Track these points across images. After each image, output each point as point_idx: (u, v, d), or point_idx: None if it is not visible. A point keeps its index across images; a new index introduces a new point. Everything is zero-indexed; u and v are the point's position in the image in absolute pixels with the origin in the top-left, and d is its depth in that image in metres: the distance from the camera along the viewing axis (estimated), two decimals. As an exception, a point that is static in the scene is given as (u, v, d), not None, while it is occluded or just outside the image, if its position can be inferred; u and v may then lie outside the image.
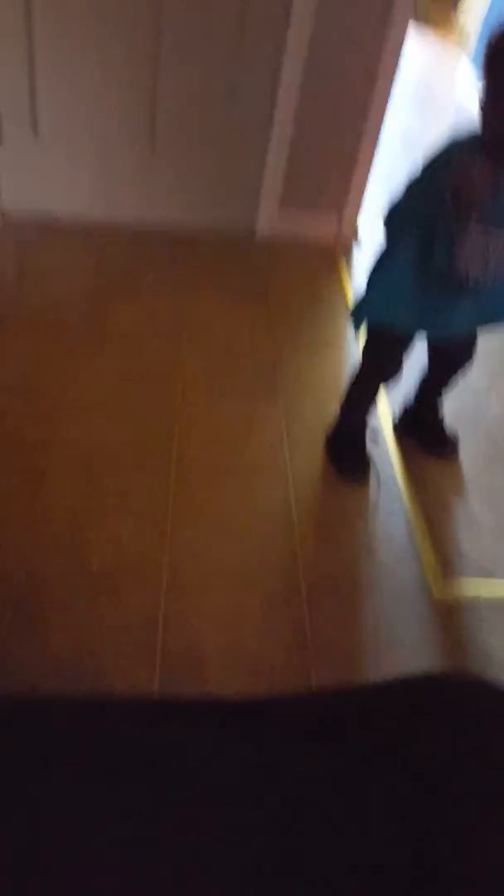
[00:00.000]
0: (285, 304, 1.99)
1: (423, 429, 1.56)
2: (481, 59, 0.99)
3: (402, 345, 1.31)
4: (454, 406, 1.65)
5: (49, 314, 1.83)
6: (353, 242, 2.30)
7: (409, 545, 1.36)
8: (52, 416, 1.52)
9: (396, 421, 1.61)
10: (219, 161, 2.13)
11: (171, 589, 1.22)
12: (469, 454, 1.56)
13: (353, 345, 1.85)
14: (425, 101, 3.46)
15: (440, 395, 1.52)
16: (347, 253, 2.26)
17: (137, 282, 2.01)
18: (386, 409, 1.65)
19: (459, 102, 3.43)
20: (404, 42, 1.94)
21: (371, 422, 1.53)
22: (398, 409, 1.61)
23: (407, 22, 1.90)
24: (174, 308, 1.92)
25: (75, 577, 1.21)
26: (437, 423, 1.56)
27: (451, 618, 1.24)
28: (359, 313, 1.26)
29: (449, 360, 1.42)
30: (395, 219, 1.11)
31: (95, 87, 1.98)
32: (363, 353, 1.38)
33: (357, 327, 1.29)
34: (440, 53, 4.44)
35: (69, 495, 1.36)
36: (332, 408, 1.54)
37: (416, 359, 1.44)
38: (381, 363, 1.36)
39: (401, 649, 1.18)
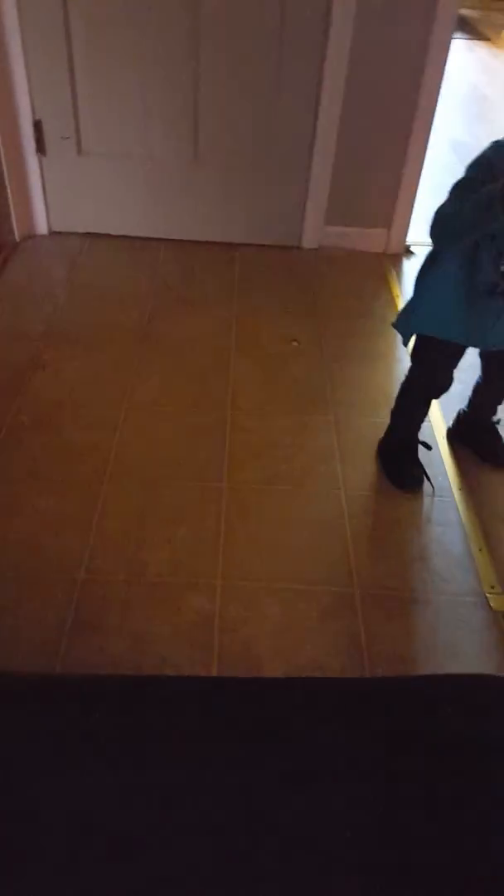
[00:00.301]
0: (334, 316, 2.00)
1: (478, 437, 1.54)
2: None
3: (450, 355, 1.30)
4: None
5: (99, 330, 1.89)
6: (403, 255, 2.30)
7: (465, 556, 1.33)
8: (105, 428, 1.56)
9: (451, 429, 1.59)
10: (262, 178, 2.17)
11: (225, 593, 1.23)
12: (527, 464, 1.53)
13: (404, 356, 1.84)
14: (477, 111, 3.44)
15: (496, 402, 1.50)
16: (397, 265, 2.26)
17: (186, 295, 2.05)
18: (440, 417, 1.63)
19: (510, 113, 3.40)
20: (447, 57, 1.93)
21: (422, 431, 1.51)
22: (453, 418, 1.59)
23: (449, 37, 1.90)
24: (223, 321, 1.95)
25: (133, 581, 1.24)
26: (493, 431, 1.53)
27: (509, 631, 1.21)
28: (405, 325, 1.26)
29: (501, 368, 1.40)
30: (440, 226, 1.10)
31: (137, 105, 2.04)
32: (412, 362, 1.38)
33: (406, 338, 1.29)
34: (491, 63, 4.41)
35: (126, 503, 1.39)
36: (383, 418, 1.53)
37: (473, 365, 1.42)
38: (429, 373, 1.36)
39: (455, 661, 1.16)
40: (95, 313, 1.97)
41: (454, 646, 1.19)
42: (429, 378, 1.36)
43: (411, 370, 1.39)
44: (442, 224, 1.08)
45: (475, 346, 1.29)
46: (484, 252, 1.10)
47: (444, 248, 1.16)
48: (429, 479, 1.46)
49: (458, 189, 1.06)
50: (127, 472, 1.46)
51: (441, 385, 1.36)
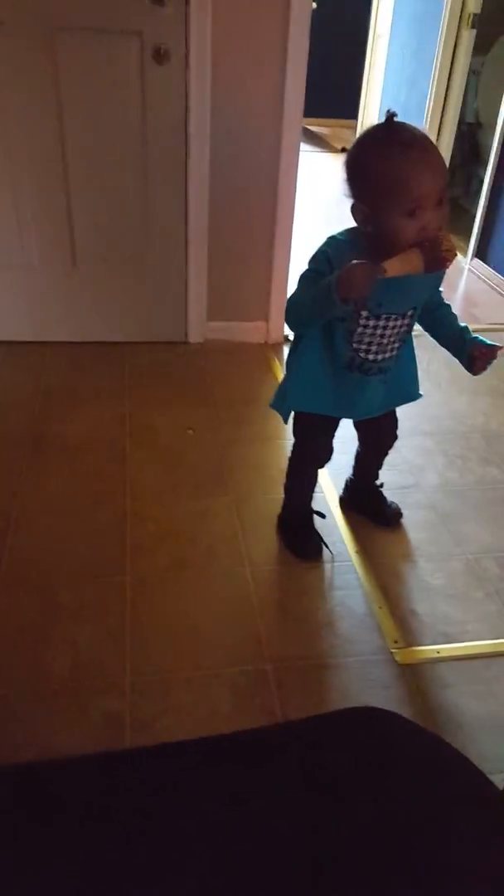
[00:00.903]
0: (225, 404, 2.10)
1: (366, 501, 1.65)
2: (346, 166, 1.12)
3: (325, 428, 1.42)
4: (396, 479, 1.75)
5: (-6, 434, 1.88)
6: (283, 343, 2.48)
7: (368, 616, 1.40)
8: (0, 532, 1.53)
9: (342, 497, 1.69)
10: (142, 281, 2.30)
11: (135, 690, 1.21)
12: (412, 522, 1.64)
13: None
14: (336, 212, 3.87)
15: (375, 468, 1.62)
16: (279, 353, 2.44)
17: (76, 395, 2.10)
18: (332, 486, 1.74)
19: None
20: (297, 162, 2.17)
21: (316, 501, 1.60)
22: (343, 486, 1.70)
23: (297, 144, 2.16)
24: (115, 417, 2.00)
25: (34, 691, 1.19)
26: (378, 494, 1.65)
27: (416, 684, 1.26)
28: (281, 405, 1.37)
29: (375, 438, 1.53)
30: (292, 315, 1.23)
31: (11, 217, 2.14)
32: (294, 437, 1.48)
33: (284, 416, 1.40)
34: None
35: (23, 609, 1.35)
36: (279, 494, 1.61)
37: (354, 436, 1.55)
38: (309, 445, 1.46)
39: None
40: (-14, 420, 1.96)
41: (366, 704, 1.22)
42: (310, 450, 1.47)
43: (294, 445, 1.49)
44: (293, 313, 1.22)
45: (344, 416, 1.41)
46: (337, 334, 1.24)
47: (299, 332, 1.29)
48: (326, 546, 1.54)
49: (303, 280, 1.19)
50: (23, 579, 1.42)
51: (322, 456, 1.47)
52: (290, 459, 1.52)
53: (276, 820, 0.48)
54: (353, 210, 1.12)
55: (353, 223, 1.15)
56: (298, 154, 2.19)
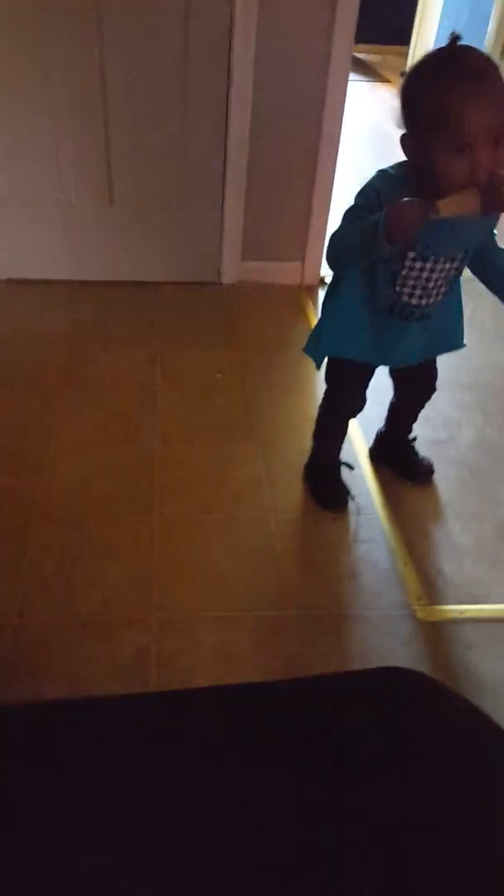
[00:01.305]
0: (255, 347, 2.06)
1: (397, 455, 1.61)
2: (400, 93, 1.03)
3: (360, 376, 1.36)
4: (429, 434, 1.71)
5: (22, 373, 1.87)
6: (318, 286, 2.40)
7: (392, 571, 1.39)
8: (32, 469, 1.54)
9: (372, 449, 1.65)
10: (178, 219, 2.22)
11: (161, 627, 1.23)
12: (444, 479, 1.61)
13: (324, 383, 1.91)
14: (381, 147, 3.67)
15: (410, 421, 1.57)
16: (313, 296, 2.35)
17: (109, 334, 2.07)
18: (361, 438, 1.70)
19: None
20: (345, 95, 2.05)
21: (344, 452, 1.57)
22: (373, 437, 1.66)
23: (346, 73, 2.02)
24: (147, 357, 1.97)
25: (65, 624, 1.22)
26: (410, 448, 1.61)
27: (437, 642, 1.26)
28: (314, 349, 1.32)
29: (412, 388, 1.48)
30: (333, 252, 1.15)
31: (50, 153, 2.07)
32: (326, 385, 1.43)
33: (317, 362, 1.35)
34: (391, 103, 4.71)
35: (55, 544, 1.37)
36: (308, 443, 1.58)
37: (389, 386, 1.50)
38: (342, 394, 1.41)
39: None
40: (17, 357, 1.95)
41: (386, 659, 1.22)
42: (342, 399, 1.42)
43: (326, 393, 1.45)
44: (335, 250, 1.14)
45: (381, 364, 1.36)
46: (379, 275, 1.17)
47: (339, 272, 1.22)
48: (353, 498, 1.52)
49: (348, 216, 1.11)
50: (55, 514, 1.44)
51: (355, 405, 1.42)
52: (321, 407, 1.48)
53: (263, 781, 0.48)
54: (403, 141, 1.04)
55: (395, 161, 1.07)
56: (347, 84, 2.05)
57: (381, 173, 1.10)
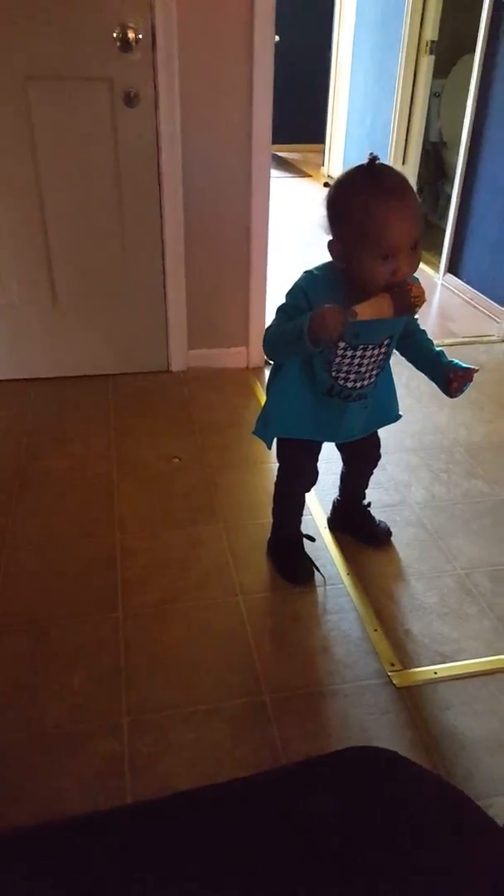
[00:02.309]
0: (210, 430, 2.11)
1: (354, 522, 1.65)
2: (327, 203, 1.14)
3: (308, 451, 1.43)
4: (383, 498, 1.76)
5: (-19, 473, 1.87)
6: (265, 367, 2.50)
7: (363, 639, 1.39)
8: (-7, 572, 1.51)
9: (330, 518, 1.69)
10: (122, 312, 2.32)
11: (133, 731, 1.19)
12: (402, 541, 1.65)
13: (279, 456, 1.97)
14: (310, 237, 3.94)
15: (362, 487, 1.63)
16: (260, 376, 2.45)
17: (62, 429, 2.09)
18: (319, 508, 1.74)
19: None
20: (268, 186, 2.21)
21: (304, 524, 1.60)
22: (330, 508, 1.70)
23: (268, 168, 2.20)
24: (101, 449, 2.00)
25: (30, 739, 1.17)
26: (367, 514, 1.65)
27: (415, 707, 1.25)
28: (263, 431, 1.39)
29: (358, 458, 1.55)
30: (269, 346, 1.24)
31: None
32: (279, 463, 1.48)
33: (268, 443, 1.41)
34: (316, 194, 5.12)
35: (14, 654, 1.33)
36: (269, 518, 1.61)
37: (339, 456, 1.55)
38: (294, 470, 1.47)
39: (371, 745, 1.18)
40: (-30, 460, 1.94)
41: (366, 731, 1.21)
42: (294, 475, 1.47)
43: (279, 471, 1.50)
44: (270, 346, 1.24)
45: (327, 440, 1.42)
46: (316, 361, 1.25)
47: (278, 362, 1.31)
48: (318, 569, 1.53)
49: (280, 314, 1.21)
50: (13, 621, 1.40)
51: (307, 480, 1.48)
52: (276, 485, 1.53)
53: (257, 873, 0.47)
54: (330, 246, 1.14)
55: (324, 249, 1.17)
56: (269, 182, 2.23)
57: (307, 274, 1.21)
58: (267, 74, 2.05)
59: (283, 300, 1.23)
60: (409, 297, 1.08)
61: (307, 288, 1.17)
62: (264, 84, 2.07)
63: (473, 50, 2.82)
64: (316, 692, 1.28)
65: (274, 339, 1.21)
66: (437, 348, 1.31)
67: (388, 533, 1.64)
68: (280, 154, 6.07)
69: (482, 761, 1.16)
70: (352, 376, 1.25)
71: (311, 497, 1.71)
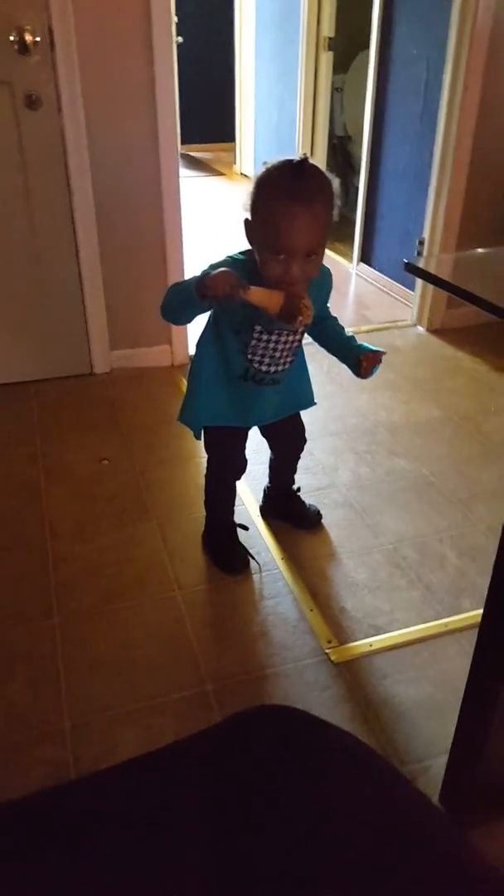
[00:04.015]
0: (137, 429, 2.09)
1: (286, 507, 1.68)
2: (252, 186, 1.16)
3: (234, 438, 1.44)
4: (311, 482, 1.81)
5: None
6: (190, 363, 2.50)
7: (301, 621, 1.42)
8: None
9: (262, 506, 1.72)
10: (40, 317, 2.26)
11: (75, 735, 1.17)
12: (332, 522, 1.70)
13: (208, 450, 1.98)
14: (230, 233, 3.97)
15: (290, 473, 1.66)
16: (186, 372, 2.44)
17: (-13, 439, 2.03)
18: (251, 497, 1.76)
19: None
20: (177, 184, 2.21)
21: (238, 514, 1.62)
22: (261, 495, 1.72)
23: (176, 165, 2.19)
24: (27, 456, 1.94)
25: (-31, 755, 1.13)
26: (297, 499, 1.69)
27: (354, 680, 1.29)
28: (188, 419, 1.40)
29: (283, 443, 1.58)
30: (165, 301, 1.23)
31: None
32: (207, 453, 1.49)
33: (195, 432, 1.41)
34: (228, 192, 5.15)
35: None
36: (202, 511, 1.62)
37: (266, 445, 1.58)
38: (221, 458, 1.48)
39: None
40: None
41: (308, 708, 1.21)
42: (223, 463, 1.49)
43: (208, 461, 1.51)
44: (166, 300, 1.23)
45: (246, 425, 1.44)
46: (231, 345, 1.27)
47: (171, 321, 1.30)
48: (253, 557, 1.56)
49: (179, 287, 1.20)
50: None
51: (236, 468, 1.49)
52: (207, 476, 1.53)
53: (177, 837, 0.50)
54: (245, 224, 1.17)
55: (241, 244, 1.20)
56: (178, 180, 2.23)
57: (228, 257, 1.22)
58: (168, 72, 2.05)
59: None
60: (297, 308, 1.11)
61: (222, 264, 1.17)
62: (167, 82, 2.06)
63: (369, 45, 2.92)
64: (257, 676, 1.30)
65: (169, 295, 1.22)
66: (348, 333, 1.36)
67: (319, 515, 1.69)
68: (192, 154, 6.07)
69: (420, 725, 1.22)
70: (266, 360, 1.28)
71: (242, 487, 1.73)
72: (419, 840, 0.51)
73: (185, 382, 2.36)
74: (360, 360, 1.27)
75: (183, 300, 1.18)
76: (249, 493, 1.77)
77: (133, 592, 1.48)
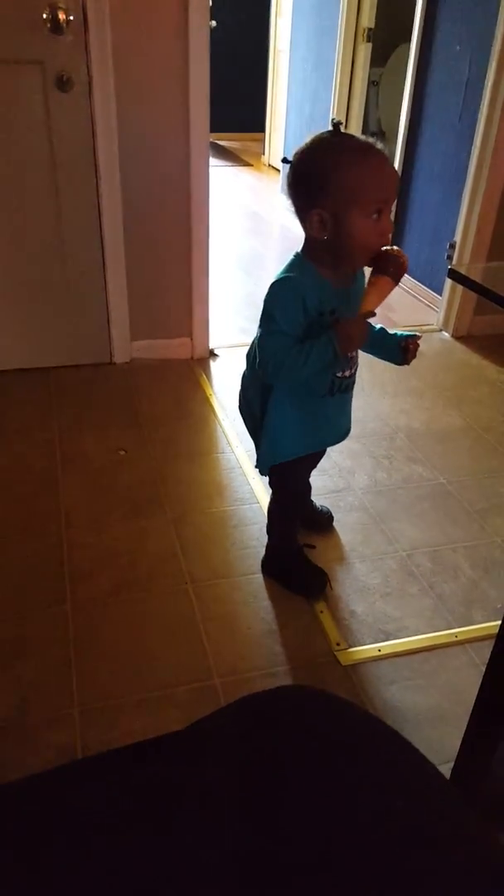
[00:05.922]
0: (156, 422, 2.10)
1: (307, 515, 1.67)
2: (288, 181, 1.13)
3: (310, 464, 1.45)
4: (328, 484, 1.81)
5: None
6: (209, 358, 2.50)
7: (310, 620, 1.43)
8: None
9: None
10: (63, 304, 2.27)
11: (84, 721, 1.19)
12: (346, 525, 1.70)
13: (226, 448, 1.98)
14: (251, 226, 3.94)
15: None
16: (205, 367, 2.45)
17: (2, 425, 2.04)
18: (263, 494, 1.76)
19: (281, 223, 3.96)
20: (208, 180, 2.21)
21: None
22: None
23: (206, 163, 2.19)
24: (44, 443, 1.96)
25: (-20, 737, 1.15)
26: (308, 501, 1.68)
27: (361, 683, 1.30)
28: (271, 461, 1.34)
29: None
30: (286, 379, 1.19)
31: None
32: (276, 486, 1.44)
33: (266, 473, 1.38)
34: (255, 185, 5.10)
35: (-38, 651, 1.31)
36: (217, 508, 1.62)
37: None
38: (296, 488, 1.48)
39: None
40: None
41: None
42: (293, 490, 1.48)
43: (279, 495, 1.46)
44: (289, 380, 1.19)
45: (334, 443, 1.41)
46: (313, 376, 1.21)
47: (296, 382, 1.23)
48: (328, 578, 1.50)
49: (281, 337, 1.15)
50: (-40, 619, 1.38)
51: (304, 490, 1.51)
52: (277, 508, 1.49)
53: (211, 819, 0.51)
54: (308, 220, 1.11)
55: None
56: (208, 169, 2.22)
57: (286, 281, 1.14)
58: (203, 56, 2.03)
59: (260, 318, 1.17)
60: (399, 263, 1.10)
61: (296, 295, 1.13)
62: (200, 69, 2.05)
63: (410, 39, 2.87)
64: (265, 673, 1.31)
65: (294, 372, 1.16)
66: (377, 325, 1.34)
67: (331, 518, 1.68)
68: (220, 143, 6.04)
69: (424, 733, 1.22)
70: (346, 363, 1.25)
71: (256, 485, 1.73)
72: (451, 825, 0.51)
73: (204, 377, 2.37)
74: (407, 345, 1.25)
75: (326, 363, 1.15)
76: (264, 491, 1.77)
77: (145, 584, 1.50)
